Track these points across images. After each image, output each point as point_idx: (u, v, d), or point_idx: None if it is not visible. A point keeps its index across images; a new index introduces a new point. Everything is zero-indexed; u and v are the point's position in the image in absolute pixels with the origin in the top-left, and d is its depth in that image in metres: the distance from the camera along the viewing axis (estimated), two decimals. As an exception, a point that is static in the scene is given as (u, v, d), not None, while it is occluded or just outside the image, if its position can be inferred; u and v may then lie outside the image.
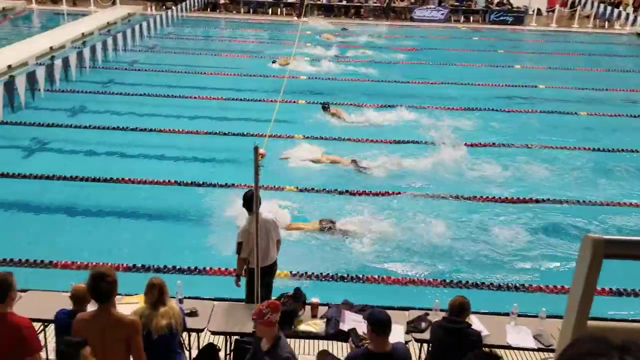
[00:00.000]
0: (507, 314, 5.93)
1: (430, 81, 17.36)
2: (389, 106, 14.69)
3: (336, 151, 11.56)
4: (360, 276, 7.75)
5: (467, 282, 7.69)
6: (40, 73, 10.78)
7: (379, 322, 4.23)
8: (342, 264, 8.06)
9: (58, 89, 13.54)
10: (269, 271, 6.28)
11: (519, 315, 5.74)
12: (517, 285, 7.69)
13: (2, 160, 10.72)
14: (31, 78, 10.30)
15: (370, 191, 10.14)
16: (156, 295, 4.83)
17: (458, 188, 10.33)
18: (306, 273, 7.76)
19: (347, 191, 10.12)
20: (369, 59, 19.89)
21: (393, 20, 28.13)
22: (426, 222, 9.15)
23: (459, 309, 5.02)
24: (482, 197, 10.07)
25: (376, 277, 7.75)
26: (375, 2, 28.40)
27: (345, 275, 7.76)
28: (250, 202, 5.90)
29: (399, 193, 10.05)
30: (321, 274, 7.77)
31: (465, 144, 12.02)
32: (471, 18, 28.47)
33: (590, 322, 2.03)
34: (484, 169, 11.24)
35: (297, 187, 10.12)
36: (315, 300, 5.82)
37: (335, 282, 7.61)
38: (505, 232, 9.02)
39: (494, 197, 10.09)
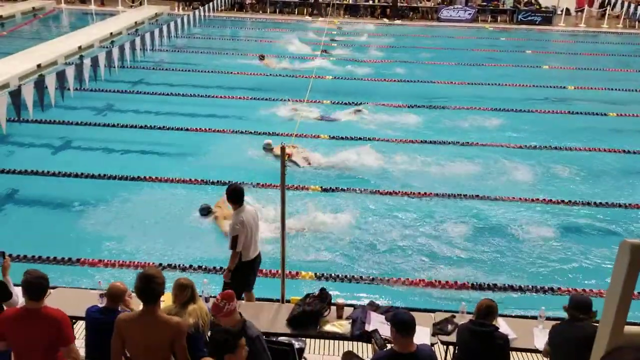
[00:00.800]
0: (534, 317, 5.86)
1: (457, 81, 17.24)
2: (416, 106, 14.66)
3: (360, 152, 11.52)
4: (386, 278, 7.70)
5: (495, 284, 7.60)
6: (70, 72, 10.95)
7: (403, 323, 4.21)
8: (368, 265, 8.03)
9: (87, 88, 13.75)
10: (259, 260, 6.54)
11: (547, 319, 5.66)
12: (545, 288, 7.58)
13: (32, 157, 10.91)
14: (61, 77, 10.47)
15: (392, 191, 10.10)
16: (188, 295, 4.87)
17: (484, 189, 10.24)
18: (331, 275, 7.73)
19: (377, 191, 10.10)
20: (393, 59, 19.81)
21: (419, 20, 28.01)
22: (452, 224, 9.08)
23: (486, 312, 4.97)
24: (508, 197, 9.97)
25: (402, 279, 7.69)
26: (401, 3, 28.28)
27: (370, 277, 7.72)
28: (239, 195, 6.12)
29: (429, 194, 10.00)
30: (346, 275, 7.73)
31: (493, 145, 11.93)
32: (499, 18, 28.18)
33: (627, 328, 1.99)
34: (511, 169, 11.13)
35: (321, 187, 10.12)
36: (340, 301, 5.80)
37: (360, 284, 7.57)
38: (533, 233, 8.92)
39: (520, 197, 9.97)
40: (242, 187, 6.34)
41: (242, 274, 6.30)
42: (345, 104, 14.75)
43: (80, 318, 5.27)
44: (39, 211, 9.18)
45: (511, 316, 6.09)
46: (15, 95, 8.80)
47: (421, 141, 12.39)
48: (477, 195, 9.96)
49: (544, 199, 9.95)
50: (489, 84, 17.01)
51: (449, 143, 12.33)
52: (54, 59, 17.56)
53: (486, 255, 8.34)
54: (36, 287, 4.31)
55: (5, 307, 4.80)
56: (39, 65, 16.63)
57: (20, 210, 9.21)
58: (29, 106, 9.30)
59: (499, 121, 13.81)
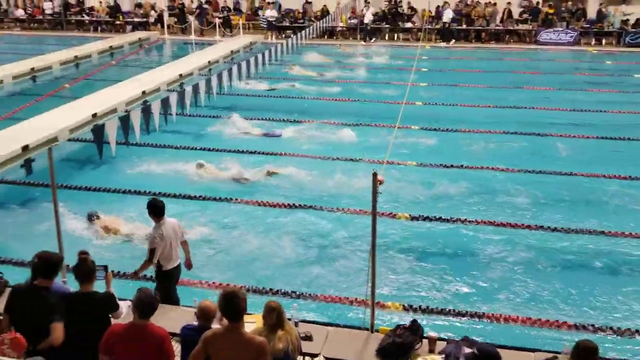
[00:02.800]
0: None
1: (557, 107, 16.52)
2: (511, 133, 14.18)
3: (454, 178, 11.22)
4: (483, 313, 7.30)
5: (600, 326, 7.04)
6: (173, 99, 11.53)
7: (488, 355, 4.01)
8: (462, 298, 7.72)
9: (187, 114, 14.40)
10: (178, 271, 6.76)
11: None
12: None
13: (136, 178, 11.49)
14: (165, 103, 11.05)
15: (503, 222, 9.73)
16: (274, 319, 4.89)
17: (591, 223, 9.63)
18: (420, 306, 7.45)
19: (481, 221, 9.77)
20: (487, 84, 19.31)
21: (515, 43, 27.24)
22: (558, 260, 8.61)
23: (586, 354, 4.65)
24: (617, 232, 9.29)
25: (499, 314, 7.27)
26: (497, 26, 27.64)
27: (465, 311, 7.36)
28: (160, 209, 6.47)
29: (537, 227, 9.54)
30: (437, 308, 7.42)
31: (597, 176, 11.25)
32: (603, 41, 26.82)
33: None
34: (624, 202, 10.44)
35: (409, 215, 9.92)
36: (433, 334, 5.61)
37: (454, 318, 7.27)
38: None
39: (632, 233, 9.27)
40: (160, 202, 6.60)
41: (161, 282, 6.65)
42: (439, 130, 14.49)
43: (175, 334, 5.40)
44: (140, 229, 9.55)
45: (613, 360, 5.63)
46: (124, 120, 9.37)
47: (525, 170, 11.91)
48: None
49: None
50: (591, 111, 16.16)
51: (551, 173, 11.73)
52: (157, 85, 18.55)
53: (590, 295, 7.78)
54: (148, 305, 4.57)
55: (112, 318, 5.06)
56: (143, 92, 17.63)
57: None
58: (136, 130, 9.86)
59: (606, 149, 13.08)
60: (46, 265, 4.92)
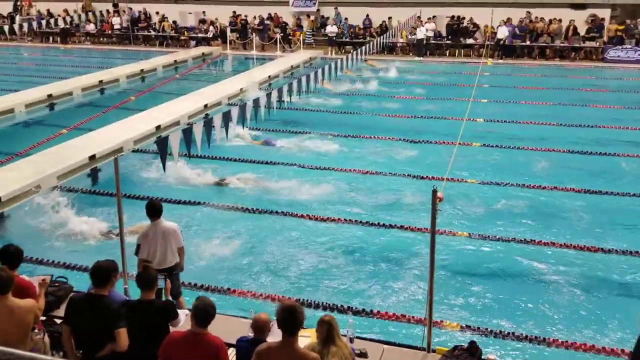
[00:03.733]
0: None
1: (624, 126, 15.91)
2: (575, 152, 13.76)
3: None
4: (542, 338, 7.06)
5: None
6: (234, 112, 11.74)
7: None
8: (521, 320, 7.47)
9: (248, 127, 14.63)
10: (168, 273, 6.54)
11: None
12: None
13: (197, 190, 11.75)
14: (226, 117, 11.26)
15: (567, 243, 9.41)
16: (325, 332, 4.87)
17: None
18: (479, 327, 7.25)
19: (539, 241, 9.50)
20: (552, 102, 18.78)
21: (581, 61, 26.47)
22: (613, 288, 8.26)
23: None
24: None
25: (561, 340, 7.00)
26: (562, 42, 26.92)
27: (525, 335, 7.11)
28: (150, 210, 6.69)
29: (595, 248, 9.20)
30: (496, 330, 7.22)
31: None
32: (674, 59, 25.75)
33: None
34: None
35: (469, 233, 9.71)
36: (492, 356, 5.45)
37: (513, 341, 7.03)
38: None
39: None
40: (157, 203, 6.79)
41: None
42: (503, 147, 14.23)
43: (232, 345, 5.44)
44: (202, 239, 9.72)
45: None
46: (187, 132, 9.61)
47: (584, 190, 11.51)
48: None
49: None
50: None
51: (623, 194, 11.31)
52: (219, 99, 19.01)
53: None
54: (204, 313, 4.63)
55: (170, 326, 5.15)
56: (205, 105, 18.09)
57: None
58: (197, 142, 10.09)
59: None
60: (96, 274, 5.01)
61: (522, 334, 7.13)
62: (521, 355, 6.51)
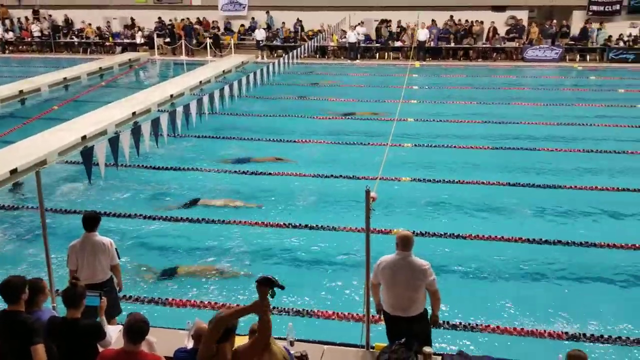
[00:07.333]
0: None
1: (544, 122, 16.69)
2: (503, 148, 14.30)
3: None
4: (477, 325, 7.34)
5: (592, 335, 7.09)
6: (164, 120, 11.48)
7: None
8: (456, 311, 7.69)
9: (179, 134, 14.35)
10: (102, 291, 6.11)
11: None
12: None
13: (124, 201, 11.45)
14: (155, 125, 10.99)
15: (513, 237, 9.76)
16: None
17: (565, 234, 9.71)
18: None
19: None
20: (477, 101, 19.48)
21: (503, 61, 27.58)
22: (548, 269, 8.66)
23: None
24: (611, 243, 9.37)
25: (494, 326, 7.30)
26: (484, 43, 27.97)
27: (460, 322, 7.39)
28: (84, 222, 6.53)
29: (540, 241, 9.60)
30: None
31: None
32: (588, 57, 27.25)
33: None
34: (612, 216, 10.51)
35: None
36: (428, 349, 5.57)
37: (449, 331, 7.23)
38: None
39: (624, 244, 9.34)
40: (91, 215, 6.62)
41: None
42: (430, 146, 14.62)
43: (169, 359, 5.32)
44: (134, 251, 9.49)
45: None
46: (114, 142, 9.30)
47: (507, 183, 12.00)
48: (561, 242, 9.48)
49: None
50: (578, 124, 16.35)
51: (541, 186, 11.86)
52: (148, 106, 18.57)
53: (583, 303, 7.84)
54: (137, 330, 4.47)
55: (99, 347, 4.96)
56: (134, 113, 17.62)
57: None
58: (125, 152, 9.79)
59: (591, 163, 13.21)
60: (5, 290, 4.84)
61: (456, 322, 7.38)
62: (457, 345, 6.70)
